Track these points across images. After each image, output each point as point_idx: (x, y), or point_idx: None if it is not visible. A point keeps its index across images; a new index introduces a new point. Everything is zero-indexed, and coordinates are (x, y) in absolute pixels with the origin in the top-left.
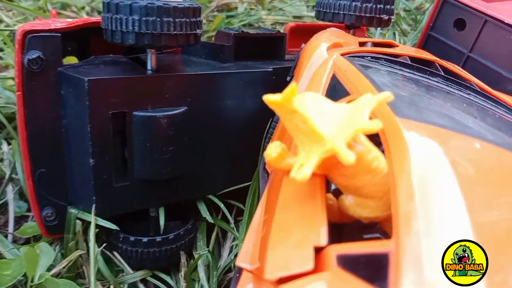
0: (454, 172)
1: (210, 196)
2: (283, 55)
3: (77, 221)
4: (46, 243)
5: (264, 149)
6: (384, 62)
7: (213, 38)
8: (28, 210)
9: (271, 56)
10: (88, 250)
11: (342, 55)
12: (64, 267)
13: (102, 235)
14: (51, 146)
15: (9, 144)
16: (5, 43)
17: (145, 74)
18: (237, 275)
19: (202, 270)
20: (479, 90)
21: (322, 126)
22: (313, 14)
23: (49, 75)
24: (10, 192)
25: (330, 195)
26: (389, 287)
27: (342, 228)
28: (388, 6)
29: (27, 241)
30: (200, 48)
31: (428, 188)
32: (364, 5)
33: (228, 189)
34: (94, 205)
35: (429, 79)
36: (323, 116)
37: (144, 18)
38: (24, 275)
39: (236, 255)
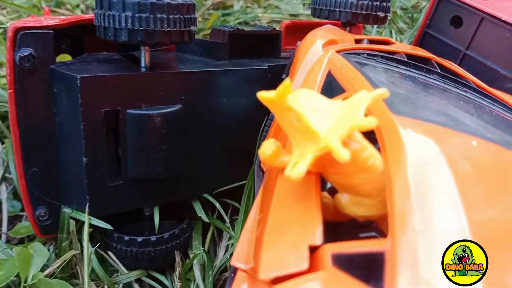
0: (450, 169)
1: (206, 195)
2: (279, 52)
3: (71, 220)
4: (39, 243)
5: (259, 147)
6: (380, 59)
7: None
8: (22, 210)
9: (266, 53)
10: (82, 250)
11: (338, 52)
12: (58, 267)
13: (96, 234)
14: (44, 145)
15: (2, 143)
16: None
17: (138, 71)
18: (232, 274)
19: (197, 270)
20: (475, 87)
21: (316, 123)
22: (309, 12)
23: (41, 73)
24: (4, 192)
25: (325, 194)
26: (385, 287)
27: (338, 227)
28: (384, 4)
29: (21, 241)
30: (194, 46)
31: (424, 186)
32: (360, 2)
33: (223, 188)
34: (87, 204)
35: (425, 76)
36: (317, 113)
37: (137, 15)
38: (17, 276)
39: (232, 255)
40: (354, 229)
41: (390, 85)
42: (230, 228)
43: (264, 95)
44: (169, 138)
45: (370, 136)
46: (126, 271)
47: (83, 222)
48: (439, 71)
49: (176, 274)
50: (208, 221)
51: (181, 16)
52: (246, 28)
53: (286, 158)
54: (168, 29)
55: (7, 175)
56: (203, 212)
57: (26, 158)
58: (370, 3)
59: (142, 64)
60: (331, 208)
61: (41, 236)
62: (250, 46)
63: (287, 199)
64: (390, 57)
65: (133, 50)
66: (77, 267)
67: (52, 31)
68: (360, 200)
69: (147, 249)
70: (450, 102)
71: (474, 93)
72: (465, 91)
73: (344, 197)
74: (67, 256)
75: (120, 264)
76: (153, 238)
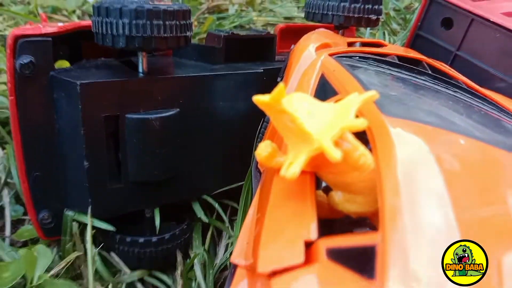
0: (439, 168)
1: (205, 197)
2: (274, 56)
3: (74, 223)
4: (43, 245)
5: (256, 149)
6: (372, 61)
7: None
8: (25, 214)
9: (261, 57)
10: (85, 251)
11: (331, 55)
12: (62, 268)
13: (99, 236)
14: (46, 150)
15: (3, 149)
16: None
17: (137, 77)
18: (232, 271)
19: (198, 269)
20: (466, 87)
21: (310, 125)
22: (303, 15)
23: (41, 80)
24: (6, 196)
25: (320, 192)
26: (376, 278)
27: (333, 223)
28: (376, 6)
29: (24, 244)
30: (191, 50)
31: (414, 184)
32: (352, 5)
33: (222, 189)
34: (90, 207)
35: (416, 77)
36: (311, 116)
37: (134, 22)
38: (23, 277)
39: (231, 253)
40: (348, 226)
41: (381, 87)
42: (229, 228)
43: (259, 99)
44: (168, 141)
45: (362, 137)
46: (129, 271)
47: (86, 224)
48: (430, 72)
49: (177, 273)
50: (207, 221)
51: (177, 22)
52: (241, 32)
53: (282, 159)
54: (165, 35)
55: (9, 180)
56: (203, 213)
57: (28, 163)
58: (362, 6)
59: (140, 70)
60: (325, 206)
61: (45, 238)
62: (245, 50)
63: (283, 198)
64: (381, 60)
65: (130, 56)
66: (81, 268)
67: (51, 39)
68: (353, 197)
69: (149, 250)
70: (440, 102)
71: (465, 93)
72: (455, 91)
73: (338, 195)
74: (71, 257)
75: (123, 265)
76: (154, 239)
